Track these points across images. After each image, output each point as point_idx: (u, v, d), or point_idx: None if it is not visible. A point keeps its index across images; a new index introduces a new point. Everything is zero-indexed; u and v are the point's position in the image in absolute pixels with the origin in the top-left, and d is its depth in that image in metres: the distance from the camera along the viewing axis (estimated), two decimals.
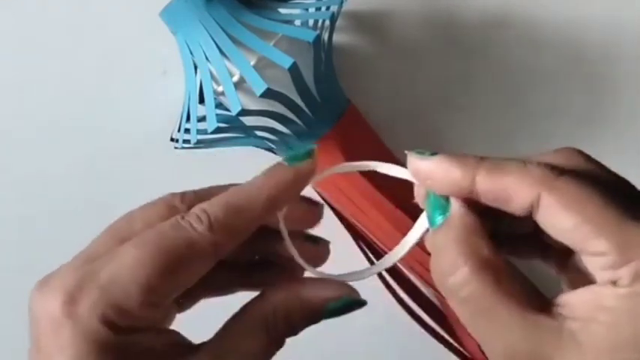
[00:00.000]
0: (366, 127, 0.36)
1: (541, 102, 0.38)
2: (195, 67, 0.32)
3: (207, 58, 0.31)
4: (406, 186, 0.36)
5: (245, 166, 0.38)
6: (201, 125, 0.32)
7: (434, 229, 0.23)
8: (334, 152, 0.34)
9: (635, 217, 0.20)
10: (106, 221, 0.39)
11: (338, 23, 0.35)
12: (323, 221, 0.37)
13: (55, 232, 0.40)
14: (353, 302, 0.23)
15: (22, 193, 0.40)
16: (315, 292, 0.23)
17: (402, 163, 0.36)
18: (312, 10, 0.33)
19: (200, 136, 0.32)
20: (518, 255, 0.25)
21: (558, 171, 0.21)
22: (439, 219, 0.23)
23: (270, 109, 0.31)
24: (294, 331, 0.23)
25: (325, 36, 0.33)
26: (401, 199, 0.34)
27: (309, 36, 0.30)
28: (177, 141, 0.34)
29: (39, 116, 0.40)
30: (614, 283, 0.20)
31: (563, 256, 0.24)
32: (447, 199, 0.23)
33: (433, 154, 0.23)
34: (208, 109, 0.30)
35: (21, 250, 0.41)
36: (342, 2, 0.32)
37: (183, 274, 0.21)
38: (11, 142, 0.40)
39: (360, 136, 0.36)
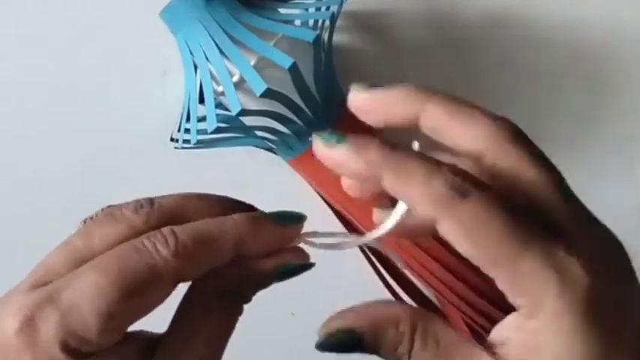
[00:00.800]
0: (366, 127, 0.36)
1: (541, 102, 0.38)
2: (195, 67, 0.32)
3: (207, 58, 0.31)
4: None
5: (245, 166, 0.38)
6: (201, 125, 0.32)
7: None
8: None
9: (532, 240, 0.20)
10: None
11: (338, 23, 0.35)
12: (323, 221, 0.37)
13: (55, 232, 0.40)
14: (297, 268, 0.23)
15: (21, 193, 0.41)
16: (265, 262, 0.22)
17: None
18: (312, 10, 0.33)
19: (200, 136, 0.32)
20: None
21: (464, 190, 0.20)
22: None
23: (270, 109, 0.31)
24: (246, 298, 0.22)
25: (325, 36, 0.33)
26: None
27: (309, 36, 0.30)
28: (177, 141, 0.34)
29: (39, 116, 0.40)
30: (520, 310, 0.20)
31: None
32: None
33: (340, 139, 0.22)
34: (208, 109, 0.30)
35: (21, 250, 0.40)
36: (342, 2, 0.32)
37: (144, 300, 0.20)
38: (11, 142, 0.40)
39: (359, 136, 0.36)
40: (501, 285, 0.20)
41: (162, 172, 0.39)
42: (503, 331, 0.21)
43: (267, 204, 0.38)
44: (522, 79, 0.38)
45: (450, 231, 0.20)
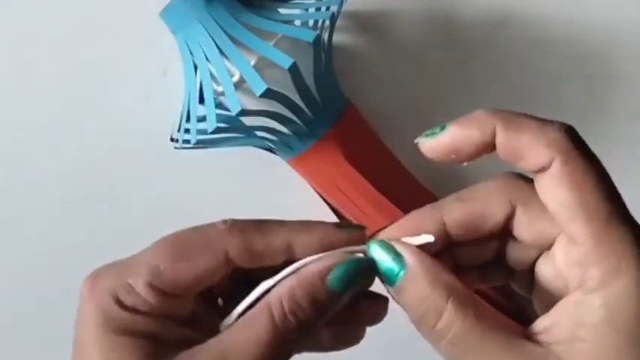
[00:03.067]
0: (366, 127, 0.37)
1: (541, 102, 0.38)
2: (195, 67, 0.32)
3: (207, 58, 0.31)
4: (407, 187, 0.37)
5: (245, 166, 0.38)
6: (202, 125, 0.32)
7: (397, 287, 0.22)
8: (334, 152, 0.34)
9: (622, 217, 0.20)
10: (106, 221, 0.39)
11: (338, 23, 0.35)
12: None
13: (55, 233, 0.40)
14: (354, 267, 0.23)
15: (21, 193, 0.40)
16: (310, 267, 0.22)
17: (402, 162, 0.37)
18: (312, 10, 0.33)
19: (200, 136, 0.32)
20: (484, 281, 0.25)
21: (577, 140, 0.21)
22: (400, 275, 0.22)
23: (270, 109, 0.31)
24: (303, 312, 0.22)
25: (325, 36, 0.33)
26: (401, 199, 0.34)
27: (309, 36, 0.30)
28: (177, 141, 0.34)
29: (39, 116, 0.40)
30: (582, 286, 0.20)
31: (527, 278, 0.24)
32: (395, 253, 0.23)
33: (442, 127, 0.23)
34: (208, 109, 0.30)
35: (21, 250, 0.41)
36: (342, 2, 0.32)
37: (193, 266, 0.22)
38: (10, 142, 0.40)
39: (360, 136, 0.36)
40: (579, 247, 0.20)
41: (162, 172, 0.39)
42: (547, 318, 0.21)
43: (267, 204, 0.39)
44: (522, 79, 0.38)
45: (562, 173, 0.20)
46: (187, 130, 0.32)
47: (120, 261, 0.23)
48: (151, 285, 0.22)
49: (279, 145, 0.34)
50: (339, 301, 0.22)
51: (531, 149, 0.21)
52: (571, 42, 0.38)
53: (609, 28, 0.37)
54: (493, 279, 0.26)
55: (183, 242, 0.22)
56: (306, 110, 0.32)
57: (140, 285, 0.22)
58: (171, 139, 0.36)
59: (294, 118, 0.32)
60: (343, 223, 0.24)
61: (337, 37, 0.37)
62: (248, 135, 0.34)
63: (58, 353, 0.24)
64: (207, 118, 0.30)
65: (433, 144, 0.24)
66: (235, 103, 0.30)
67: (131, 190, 0.39)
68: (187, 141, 0.32)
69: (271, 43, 0.31)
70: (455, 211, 0.23)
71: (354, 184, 0.34)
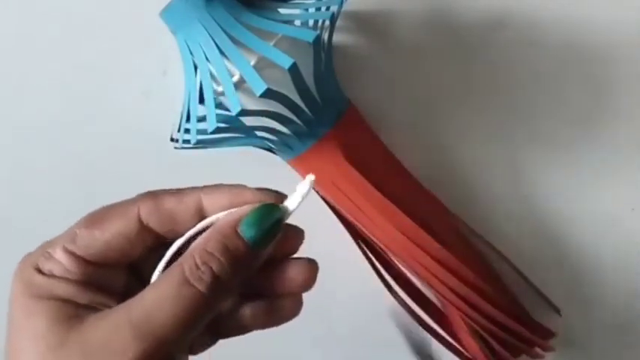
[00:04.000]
0: (366, 127, 0.36)
1: (541, 102, 0.38)
2: (195, 67, 0.32)
3: (207, 58, 0.31)
4: (407, 187, 0.37)
5: (245, 166, 0.38)
6: (202, 125, 0.32)
7: None
8: (334, 152, 0.34)
9: None
10: None
11: (338, 23, 0.35)
12: (322, 221, 0.37)
13: (55, 232, 0.40)
14: (264, 211, 0.23)
15: (21, 193, 0.40)
16: (222, 219, 0.23)
17: (402, 163, 0.37)
18: (312, 10, 0.33)
19: (200, 136, 0.32)
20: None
21: None
22: None
23: (270, 109, 0.31)
24: (217, 263, 0.21)
25: (325, 36, 0.33)
26: (401, 199, 0.34)
27: (309, 36, 0.30)
28: (177, 141, 0.34)
29: (39, 116, 0.40)
30: None
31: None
32: None
33: None
34: (208, 109, 0.30)
35: (21, 250, 0.40)
36: (342, 2, 0.32)
37: (106, 229, 0.23)
38: (10, 142, 0.40)
39: (360, 136, 0.36)
40: None
41: (162, 172, 0.39)
42: None
43: None
44: (522, 80, 0.38)
45: None
46: (187, 130, 0.32)
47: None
48: (67, 250, 0.23)
49: (279, 145, 0.34)
50: (256, 253, 0.22)
51: None
52: (571, 42, 0.38)
53: (609, 29, 0.37)
54: None
55: (99, 211, 0.24)
56: (306, 110, 0.32)
57: (58, 251, 0.23)
58: (172, 139, 0.36)
59: (294, 118, 0.32)
60: (258, 188, 0.24)
61: (337, 37, 0.37)
62: (248, 135, 0.34)
63: None
64: (207, 118, 0.30)
65: None
66: (235, 103, 0.30)
67: (131, 190, 0.39)
68: (187, 141, 0.32)
69: (271, 43, 0.31)
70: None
71: (354, 184, 0.34)
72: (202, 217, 0.23)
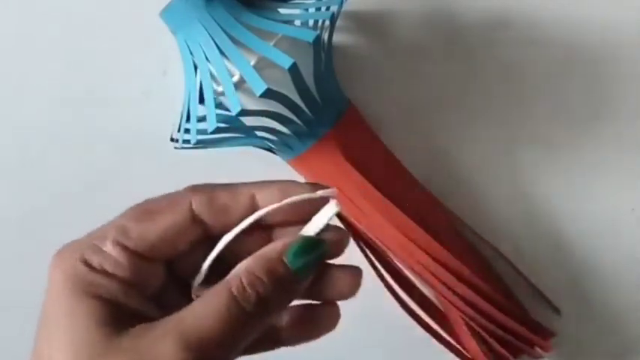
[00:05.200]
0: (366, 127, 0.36)
1: (541, 102, 0.38)
2: (195, 67, 0.32)
3: (207, 58, 0.31)
4: (407, 187, 0.37)
5: (245, 166, 0.38)
6: (201, 125, 0.32)
7: None
8: (334, 152, 0.34)
9: None
10: (106, 221, 0.39)
11: (338, 23, 0.35)
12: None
13: (55, 233, 0.40)
14: (311, 243, 0.23)
15: (21, 194, 0.40)
16: (272, 246, 0.23)
17: (402, 163, 0.37)
18: (312, 10, 0.33)
19: (200, 136, 0.32)
20: None
21: None
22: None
23: (270, 109, 0.31)
24: (262, 285, 0.22)
25: (325, 36, 0.33)
26: (401, 199, 0.34)
27: (309, 36, 0.30)
28: (177, 141, 0.34)
29: (39, 116, 0.40)
30: None
31: None
32: None
33: None
34: (208, 109, 0.30)
35: (21, 249, 0.41)
36: (342, 2, 0.32)
37: (159, 222, 0.23)
38: (10, 142, 0.40)
39: (360, 136, 0.36)
40: None
41: (162, 172, 0.39)
42: None
43: None
44: (522, 80, 0.38)
45: None
46: (187, 130, 0.32)
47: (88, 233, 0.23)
48: (118, 242, 0.22)
49: (279, 145, 0.34)
50: (299, 277, 0.23)
51: None
52: (571, 42, 0.38)
53: (609, 30, 0.37)
54: None
55: (149, 203, 0.23)
56: (306, 110, 0.32)
57: (108, 244, 0.22)
58: (172, 139, 0.36)
59: (294, 118, 0.32)
60: (308, 183, 0.25)
61: (337, 37, 0.37)
62: (248, 135, 0.34)
63: None
64: (207, 118, 0.30)
65: None
66: (235, 103, 0.30)
67: (131, 190, 0.39)
68: (187, 141, 0.32)
69: (271, 43, 0.31)
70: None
71: (354, 184, 0.34)
72: (255, 210, 0.23)
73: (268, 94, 0.29)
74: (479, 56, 0.38)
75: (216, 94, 0.33)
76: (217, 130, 0.30)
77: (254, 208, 0.23)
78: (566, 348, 0.38)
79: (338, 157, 0.34)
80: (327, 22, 0.33)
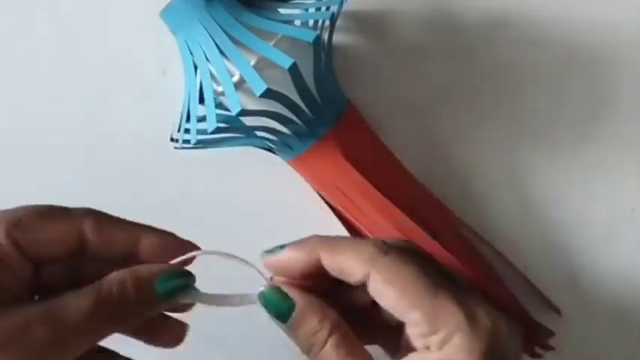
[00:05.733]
0: (366, 127, 0.37)
1: (541, 102, 0.38)
2: (195, 67, 0.32)
3: (207, 58, 0.31)
4: (407, 187, 0.37)
5: (245, 166, 0.38)
6: (201, 125, 0.32)
7: (289, 324, 0.27)
8: (334, 152, 0.34)
9: (441, 288, 0.25)
10: None
11: (338, 23, 0.35)
12: (323, 221, 0.37)
13: None
14: (180, 273, 0.27)
15: (21, 193, 0.40)
16: (147, 267, 0.26)
17: (402, 162, 0.37)
18: (312, 10, 0.33)
19: (200, 136, 0.32)
20: (364, 334, 0.28)
21: (385, 249, 0.26)
22: (291, 314, 0.27)
23: (270, 109, 0.31)
24: (127, 297, 0.25)
25: (325, 36, 0.33)
26: (401, 199, 0.34)
27: (309, 36, 0.30)
28: (177, 141, 0.34)
29: (39, 116, 0.40)
30: (427, 348, 0.25)
31: (396, 333, 0.27)
32: (285, 295, 0.27)
33: (282, 247, 0.27)
34: (208, 109, 0.30)
35: None
36: (342, 2, 0.32)
37: (50, 225, 0.26)
38: (10, 142, 0.40)
39: (360, 136, 0.36)
40: (418, 327, 0.25)
41: (162, 172, 0.39)
42: None
43: (267, 204, 0.39)
44: (522, 80, 0.38)
45: (378, 281, 0.25)
46: (187, 130, 0.32)
47: None
48: (9, 233, 0.25)
49: (279, 145, 0.34)
50: (161, 299, 0.26)
51: (351, 268, 0.26)
52: (571, 42, 0.38)
53: (609, 30, 0.37)
54: (372, 332, 0.29)
55: (48, 207, 0.26)
56: (306, 110, 0.32)
57: (1, 228, 0.25)
58: (171, 139, 0.36)
59: (294, 118, 0.32)
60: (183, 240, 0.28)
61: (337, 37, 0.37)
62: (248, 135, 0.34)
63: None
64: (207, 118, 0.30)
65: (273, 260, 0.27)
66: (235, 103, 0.30)
67: (131, 190, 0.39)
68: (187, 141, 0.32)
69: (271, 43, 0.31)
70: (326, 258, 0.26)
71: (354, 184, 0.34)
72: (135, 248, 0.27)
73: (268, 94, 0.29)
74: (479, 56, 0.38)
75: (216, 94, 0.33)
76: (217, 130, 0.31)
77: (135, 246, 0.27)
78: (566, 348, 0.38)
79: (338, 157, 0.34)
80: (327, 22, 0.33)
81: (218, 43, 0.30)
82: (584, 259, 0.38)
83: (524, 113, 0.38)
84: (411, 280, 0.25)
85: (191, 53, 0.31)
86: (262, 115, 0.32)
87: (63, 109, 0.40)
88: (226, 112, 0.32)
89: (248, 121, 0.32)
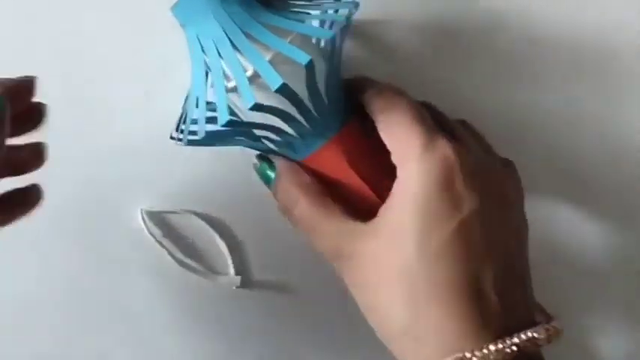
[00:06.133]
0: (369, 136, 0.37)
1: (541, 102, 0.39)
2: (205, 63, 0.31)
3: (219, 53, 0.31)
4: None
5: (245, 166, 0.38)
6: (195, 127, 0.31)
7: (272, 187, 0.33)
8: (339, 158, 0.34)
9: (418, 125, 0.31)
10: (105, 221, 0.38)
11: None
12: None
13: (55, 231, 0.39)
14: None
15: None
16: None
17: None
18: (331, 11, 0.34)
19: (209, 126, 0.31)
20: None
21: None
22: (271, 174, 0.33)
23: (280, 106, 0.31)
24: None
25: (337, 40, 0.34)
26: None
27: (326, 34, 0.30)
28: (179, 140, 0.33)
29: None
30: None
31: None
32: (270, 163, 0.33)
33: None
34: (219, 102, 0.30)
35: (20, 249, 0.39)
36: (356, 6, 0.33)
37: None
38: (9, 142, 0.39)
39: (363, 145, 0.36)
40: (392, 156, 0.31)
41: (162, 172, 0.38)
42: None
43: (267, 204, 0.38)
44: (522, 81, 0.38)
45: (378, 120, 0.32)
46: (195, 122, 0.32)
47: None
48: None
49: (283, 149, 0.34)
50: None
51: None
52: (571, 42, 0.38)
53: (609, 29, 0.38)
54: None
55: None
56: (314, 112, 0.32)
57: None
58: (171, 138, 0.35)
59: (302, 119, 0.32)
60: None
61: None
62: (253, 139, 0.34)
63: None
64: (218, 111, 0.30)
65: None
66: (249, 96, 0.29)
67: (131, 190, 0.38)
68: (194, 132, 0.32)
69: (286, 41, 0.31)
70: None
71: (358, 191, 0.34)
72: None
73: (284, 89, 0.29)
74: (479, 58, 0.38)
75: (226, 90, 0.32)
76: (219, 134, 0.30)
77: None
78: (565, 348, 0.38)
79: (342, 164, 0.34)
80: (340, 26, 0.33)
81: (232, 38, 0.30)
82: (584, 259, 0.38)
83: (524, 114, 0.38)
84: (400, 110, 0.31)
85: (202, 49, 0.31)
86: (271, 113, 0.31)
87: (62, 109, 0.39)
88: (232, 117, 0.32)
89: (255, 119, 0.32)
